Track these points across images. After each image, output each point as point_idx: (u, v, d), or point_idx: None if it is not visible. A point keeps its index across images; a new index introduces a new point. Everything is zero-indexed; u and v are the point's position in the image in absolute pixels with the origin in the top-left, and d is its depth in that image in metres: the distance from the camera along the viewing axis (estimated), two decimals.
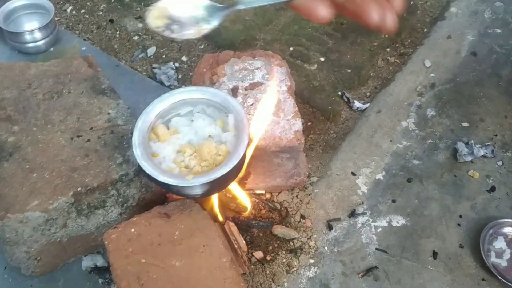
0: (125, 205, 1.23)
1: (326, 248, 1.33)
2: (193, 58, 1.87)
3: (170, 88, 1.74)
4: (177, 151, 1.10)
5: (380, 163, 1.52)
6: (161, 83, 1.75)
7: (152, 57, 1.87)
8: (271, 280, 1.26)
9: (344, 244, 1.34)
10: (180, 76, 1.80)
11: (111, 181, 1.16)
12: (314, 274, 1.28)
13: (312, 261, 1.30)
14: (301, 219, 1.37)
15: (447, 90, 1.74)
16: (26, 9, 1.85)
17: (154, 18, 0.64)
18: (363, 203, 1.42)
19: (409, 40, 1.96)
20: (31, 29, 1.76)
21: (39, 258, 1.19)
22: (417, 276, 1.28)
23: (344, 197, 1.44)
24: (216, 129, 1.13)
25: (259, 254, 1.30)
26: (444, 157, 1.54)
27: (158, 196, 1.29)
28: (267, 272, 1.28)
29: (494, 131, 1.61)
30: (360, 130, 1.62)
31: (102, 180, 1.15)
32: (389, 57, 1.89)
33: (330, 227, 1.37)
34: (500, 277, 1.26)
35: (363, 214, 1.40)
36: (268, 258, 1.30)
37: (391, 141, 1.58)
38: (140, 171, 1.17)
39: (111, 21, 2.00)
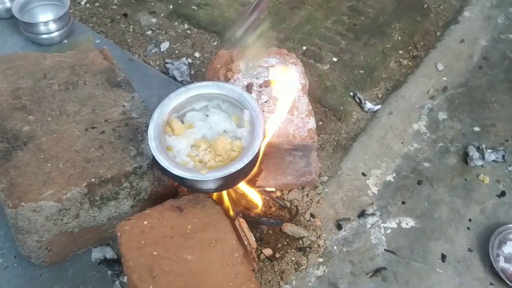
0: (137, 197, 1.24)
1: (335, 247, 1.33)
2: (206, 54, 1.88)
3: (182, 83, 1.74)
4: (192, 145, 1.11)
5: (391, 164, 1.52)
6: (174, 78, 1.76)
7: (165, 52, 1.87)
8: (279, 277, 1.27)
9: (353, 244, 1.34)
10: (192, 72, 1.80)
11: (125, 173, 1.17)
12: (322, 273, 1.28)
13: (321, 260, 1.30)
14: (311, 218, 1.38)
15: (459, 94, 1.74)
16: (42, 0, 1.86)
17: None
18: (373, 204, 1.43)
19: (422, 43, 1.96)
20: (46, 20, 1.77)
21: (50, 247, 1.19)
22: (426, 278, 1.28)
23: (354, 197, 1.44)
24: (231, 124, 1.13)
25: (268, 251, 1.31)
26: (454, 161, 1.54)
27: (169, 190, 1.29)
28: (276, 269, 1.28)
29: (505, 137, 1.61)
30: (371, 131, 1.62)
31: (116, 172, 1.15)
32: (401, 59, 1.89)
33: (339, 227, 1.37)
34: (508, 282, 1.26)
35: (372, 214, 1.40)
36: (277, 255, 1.30)
37: (402, 143, 1.58)
38: (153, 164, 1.17)
39: (125, 15, 2.00)
